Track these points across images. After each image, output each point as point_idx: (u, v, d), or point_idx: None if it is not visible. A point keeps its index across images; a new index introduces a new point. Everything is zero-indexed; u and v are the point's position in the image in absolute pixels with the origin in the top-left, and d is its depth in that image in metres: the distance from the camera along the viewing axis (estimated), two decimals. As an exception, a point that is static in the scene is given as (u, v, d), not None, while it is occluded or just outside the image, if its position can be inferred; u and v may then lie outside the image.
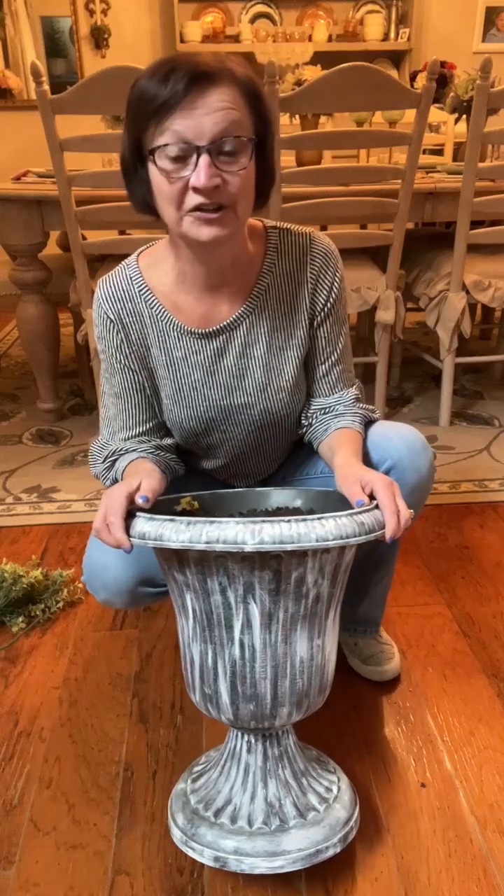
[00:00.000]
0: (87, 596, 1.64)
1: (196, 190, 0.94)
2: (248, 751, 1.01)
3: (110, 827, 1.10)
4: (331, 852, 0.97)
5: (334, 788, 1.04)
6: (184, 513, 1.03)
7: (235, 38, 4.25)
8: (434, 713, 1.30)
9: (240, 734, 1.02)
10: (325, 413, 1.19)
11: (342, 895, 0.99)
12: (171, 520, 0.85)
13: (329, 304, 1.14)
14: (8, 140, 4.16)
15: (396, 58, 4.38)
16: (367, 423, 1.19)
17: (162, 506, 1.02)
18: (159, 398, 1.18)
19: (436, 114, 2.79)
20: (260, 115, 0.98)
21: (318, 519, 0.82)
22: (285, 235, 1.12)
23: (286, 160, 2.28)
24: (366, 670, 1.38)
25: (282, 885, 1.01)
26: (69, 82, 2.82)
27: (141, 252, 1.15)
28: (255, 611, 0.89)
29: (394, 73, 4.18)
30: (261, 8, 4.34)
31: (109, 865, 1.04)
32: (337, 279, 1.14)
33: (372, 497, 0.93)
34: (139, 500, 0.93)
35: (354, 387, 1.22)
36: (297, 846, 0.95)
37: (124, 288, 1.12)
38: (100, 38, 4.21)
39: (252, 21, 4.33)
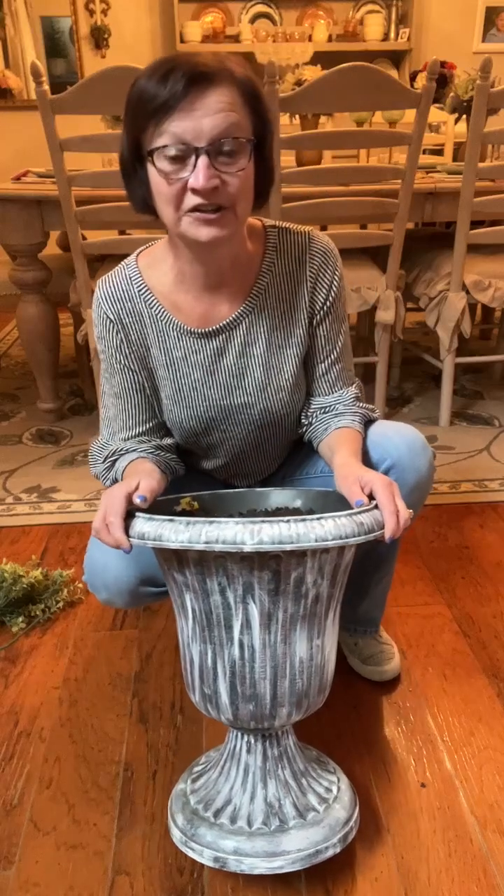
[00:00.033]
0: (87, 596, 1.64)
1: (195, 191, 0.94)
2: (248, 751, 1.01)
3: (110, 827, 1.10)
4: (330, 853, 0.97)
5: (334, 789, 1.04)
6: (184, 513, 1.03)
7: (235, 38, 4.25)
8: (434, 713, 1.30)
9: (239, 734, 1.02)
10: (324, 412, 1.19)
11: (342, 895, 0.99)
12: (171, 520, 0.85)
13: (328, 303, 1.14)
14: (8, 140, 4.16)
15: (396, 58, 4.38)
16: (367, 422, 1.19)
17: (162, 506, 1.02)
18: (159, 398, 1.18)
19: (436, 114, 2.79)
20: (259, 116, 0.98)
21: (318, 519, 0.82)
22: (284, 234, 1.12)
23: (286, 160, 2.28)
24: (366, 670, 1.38)
25: (282, 886, 1.01)
26: (69, 82, 2.82)
27: (140, 252, 1.15)
28: (254, 611, 0.89)
29: (394, 73, 4.18)
30: (261, 8, 4.34)
31: (109, 865, 1.04)
32: (336, 278, 1.14)
33: (371, 497, 0.93)
34: (137, 500, 0.93)
35: (354, 385, 1.22)
36: (296, 846, 0.95)
37: (124, 288, 1.12)
38: (100, 38, 4.21)
39: (252, 21, 4.33)
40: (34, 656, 1.47)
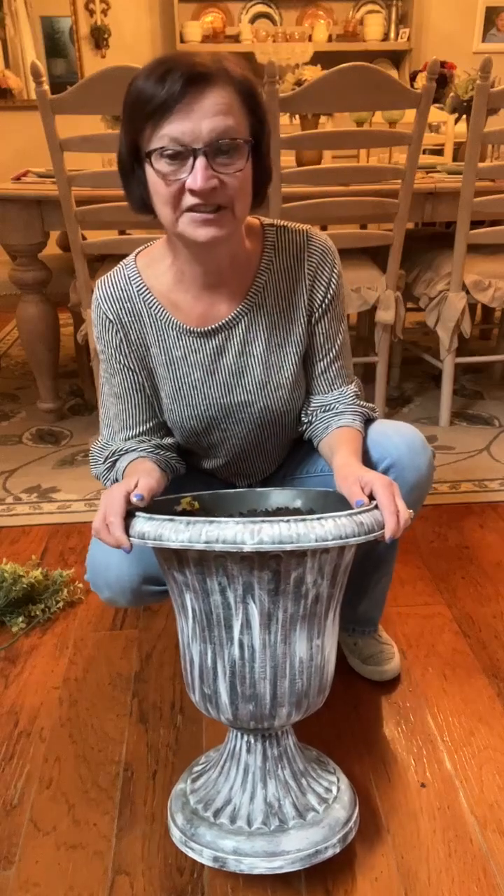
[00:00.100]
0: (87, 596, 1.64)
1: (193, 192, 0.94)
2: (248, 751, 1.01)
3: (110, 827, 1.10)
4: (330, 853, 0.97)
5: (334, 789, 1.04)
6: (184, 513, 1.03)
7: (235, 38, 4.25)
8: (434, 713, 1.30)
9: (239, 734, 1.02)
10: (325, 411, 1.19)
11: (342, 895, 0.99)
12: (171, 520, 0.85)
13: (327, 300, 1.14)
14: (8, 140, 4.16)
15: (396, 58, 4.38)
16: (367, 421, 1.19)
17: (162, 506, 1.02)
18: (159, 398, 1.18)
19: (436, 114, 2.79)
20: (256, 115, 0.98)
21: (318, 519, 0.82)
22: (282, 233, 1.12)
23: (286, 160, 2.28)
24: (366, 670, 1.38)
25: (281, 886, 1.01)
26: (69, 82, 2.82)
27: (139, 252, 1.15)
28: (254, 611, 0.89)
29: (394, 73, 4.18)
30: (261, 8, 4.34)
31: (109, 865, 1.04)
32: (335, 275, 1.14)
33: (371, 497, 0.94)
34: (134, 499, 0.93)
35: (353, 384, 1.22)
36: (296, 846, 0.95)
37: (123, 288, 1.12)
38: (100, 38, 4.21)
39: (252, 21, 4.33)
40: (34, 656, 1.47)
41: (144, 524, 0.87)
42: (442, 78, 2.33)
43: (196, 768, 1.11)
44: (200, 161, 0.93)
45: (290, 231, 1.13)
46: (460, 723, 1.28)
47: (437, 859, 1.04)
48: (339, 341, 1.18)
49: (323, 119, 2.70)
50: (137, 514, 0.90)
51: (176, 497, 1.06)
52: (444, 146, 2.88)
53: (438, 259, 2.45)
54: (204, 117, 0.91)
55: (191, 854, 0.98)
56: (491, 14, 4.31)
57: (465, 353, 2.67)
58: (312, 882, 1.01)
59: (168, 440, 1.19)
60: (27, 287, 2.39)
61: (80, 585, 1.65)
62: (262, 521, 0.81)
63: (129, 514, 0.91)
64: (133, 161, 0.99)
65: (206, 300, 1.11)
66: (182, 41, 4.18)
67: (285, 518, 0.82)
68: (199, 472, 1.27)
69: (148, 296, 1.11)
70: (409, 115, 2.16)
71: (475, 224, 2.32)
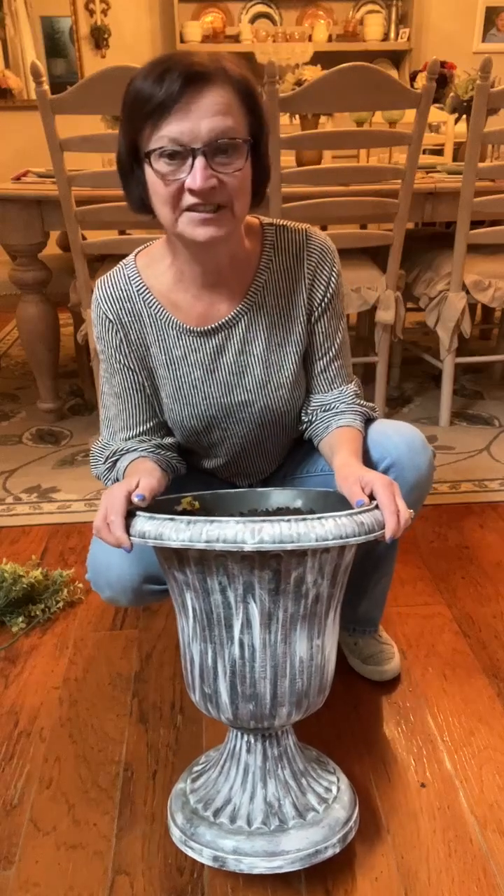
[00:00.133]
0: (87, 596, 1.64)
1: (192, 192, 0.94)
2: (248, 751, 1.01)
3: (110, 827, 1.10)
4: (330, 853, 0.97)
5: (334, 789, 1.04)
6: (184, 512, 1.03)
7: (235, 38, 4.25)
8: (434, 713, 1.30)
9: (239, 734, 1.02)
10: (325, 410, 1.19)
11: (342, 895, 0.99)
12: (171, 519, 0.85)
13: (326, 299, 1.14)
14: (8, 140, 4.16)
15: (396, 58, 4.38)
16: (367, 420, 1.19)
17: (163, 505, 1.02)
18: (159, 398, 1.18)
19: (436, 114, 2.79)
20: (255, 115, 0.98)
21: (318, 519, 0.82)
22: (282, 232, 1.12)
23: (286, 160, 2.28)
24: (366, 670, 1.38)
25: (281, 885, 1.01)
26: (69, 82, 2.82)
27: (138, 252, 1.15)
28: (254, 610, 0.89)
29: (394, 73, 4.18)
30: (261, 8, 4.34)
31: (109, 865, 1.04)
32: (334, 274, 1.14)
33: (372, 497, 0.94)
34: (135, 499, 0.93)
35: (353, 383, 1.22)
36: (296, 846, 0.95)
37: (123, 288, 1.12)
38: (100, 38, 4.21)
39: (252, 21, 4.33)
40: (34, 656, 1.47)
41: (145, 523, 0.87)
42: (442, 78, 2.33)
43: (196, 768, 1.11)
44: (199, 161, 0.93)
45: (289, 230, 1.13)
46: (460, 723, 1.28)
47: (437, 859, 1.04)
48: (338, 340, 1.18)
49: (323, 119, 2.70)
50: (138, 513, 0.90)
51: (176, 497, 1.06)
52: (444, 146, 2.88)
53: (438, 259, 2.45)
54: (202, 117, 0.92)
55: (190, 853, 0.98)
56: (491, 14, 4.31)
57: (465, 353, 2.67)
58: (312, 882, 1.01)
59: (168, 440, 1.19)
60: (27, 287, 2.39)
61: (80, 585, 1.65)
62: (263, 521, 0.81)
63: (130, 514, 0.91)
64: (132, 161, 1.00)
65: (206, 300, 1.11)
66: (182, 41, 4.18)
67: (286, 518, 0.82)
68: (199, 471, 1.27)
69: (148, 295, 1.11)
70: (409, 115, 2.16)
71: (475, 224, 2.32)
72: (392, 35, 4.32)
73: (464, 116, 2.36)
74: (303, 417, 1.21)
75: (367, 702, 1.33)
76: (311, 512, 1.04)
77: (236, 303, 1.11)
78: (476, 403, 2.73)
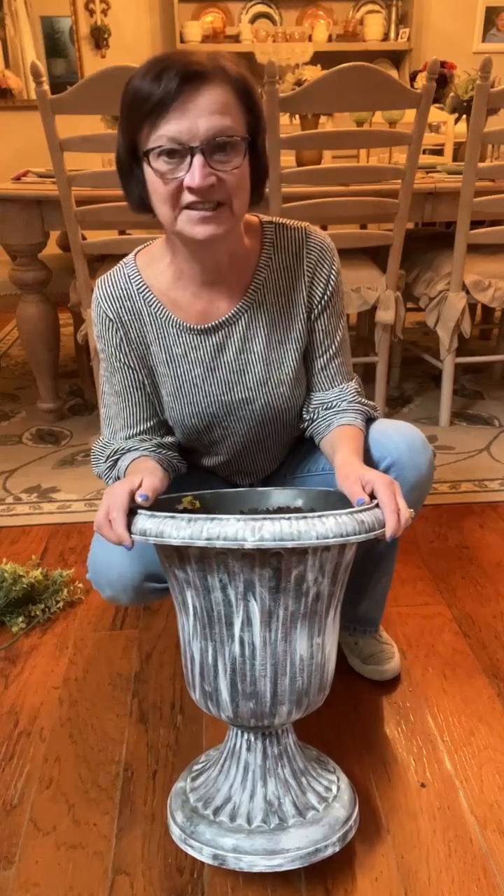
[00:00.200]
0: (87, 596, 1.63)
1: (191, 190, 0.95)
2: (248, 749, 1.01)
3: (110, 827, 1.10)
4: (330, 851, 0.97)
5: (333, 788, 1.04)
6: (185, 511, 1.03)
7: (235, 38, 4.25)
8: (434, 713, 1.30)
9: (239, 732, 1.02)
10: (327, 408, 1.19)
11: (342, 895, 0.99)
12: (172, 516, 0.85)
13: (326, 297, 1.14)
14: (8, 140, 4.17)
15: (396, 58, 4.38)
16: (368, 420, 1.20)
17: (163, 505, 1.02)
18: (160, 396, 1.18)
19: (436, 114, 2.79)
20: (252, 113, 0.98)
21: (319, 517, 0.82)
22: (281, 230, 1.12)
23: (286, 160, 2.28)
24: (366, 670, 1.38)
25: (281, 885, 1.00)
26: (69, 82, 2.82)
27: (138, 251, 1.15)
28: (255, 608, 0.89)
29: (394, 73, 4.18)
30: (261, 8, 4.34)
31: (109, 865, 1.04)
32: (333, 272, 1.14)
33: (372, 496, 0.94)
34: (139, 499, 0.93)
35: (354, 380, 1.22)
36: (295, 845, 0.95)
37: (123, 287, 1.12)
38: (100, 38, 4.21)
39: (252, 21, 4.33)
40: (34, 656, 1.47)
41: (146, 521, 0.87)
42: (442, 78, 2.33)
43: (196, 767, 1.11)
44: (198, 159, 0.93)
45: (288, 228, 1.13)
46: (460, 723, 1.28)
47: (437, 859, 1.04)
48: (338, 338, 1.18)
49: (323, 119, 2.70)
50: (139, 511, 0.91)
51: (177, 496, 1.06)
52: (444, 146, 2.88)
53: (438, 259, 2.45)
54: (200, 115, 0.92)
55: (190, 852, 0.98)
56: (491, 14, 4.31)
57: (465, 353, 2.67)
58: (312, 882, 1.01)
59: (168, 439, 1.19)
60: (27, 287, 2.39)
61: (80, 585, 1.65)
62: (264, 519, 0.81)
63: (132, 512, 0.91)
64: (131, 160, 1.00)
65: (206, 297, 1.11)
66: (182, 41, 4.18)
67: (286, 515, 0.82)
68: (200, 470, 1.27)
69: (148, 294, 1.11)
70: (409, 115, 2.16)
71: (475, 224, 2.32)
72: (392, 35, 4.32)
73: (464, 116, 2.36)
74: (304, 415, 1.21)
75: (367, 702, 1.33)
76: (312, 511, 1.04)
77: (236, 301, 1.11)
78: (476, 403, 2.73)
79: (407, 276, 2.52)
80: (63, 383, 2.86)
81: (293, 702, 0.94)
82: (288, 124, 2.82)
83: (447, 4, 4.27)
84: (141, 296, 1.12)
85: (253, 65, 2.02)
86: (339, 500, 1.01)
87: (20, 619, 1.54)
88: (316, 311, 1.15)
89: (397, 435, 1.15)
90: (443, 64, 2.36)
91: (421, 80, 2.18)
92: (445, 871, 1.02)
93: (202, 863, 1.02)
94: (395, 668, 1.37)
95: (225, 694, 0.94)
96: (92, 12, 4.17)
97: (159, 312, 1.12)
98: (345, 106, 2.24)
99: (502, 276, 2.37)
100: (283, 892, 1.00)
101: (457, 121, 2.68)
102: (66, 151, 2.03)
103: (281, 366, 1.15)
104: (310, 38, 4.21)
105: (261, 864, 0.94)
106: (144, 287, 1.11)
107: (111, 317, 1.13)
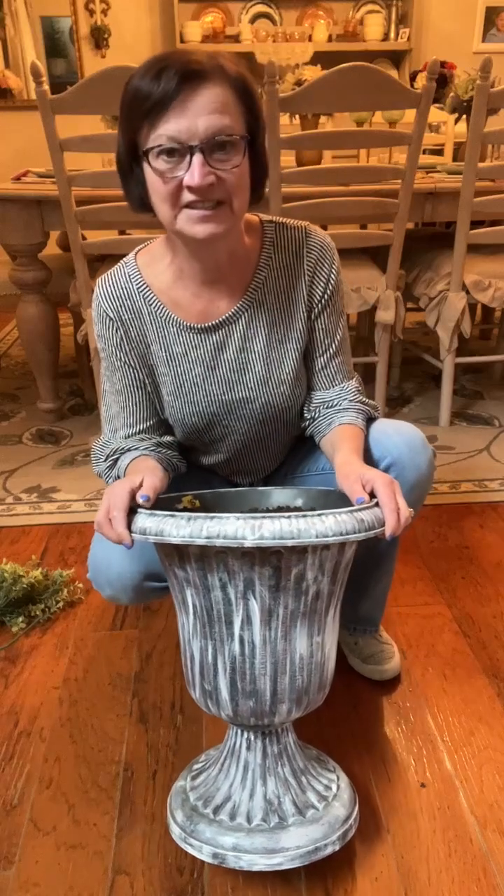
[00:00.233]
0: (87, 596, 1.63)
1: (190, 189, 0.95)
2: (248, 748, 1.01)
3: (110, 827, 1.10)
4: (329, 850, 0.97)
5: (333, 787, 1.04)
6: (185, 510, 1.03)
7: (235, 38, 4.26)
8: (434, 713, 1.30)
9: (239, 731, 1.02)
10: (328, 407, 1.19)
11: (342, 894, 0.99)
12: (172, 515, 0.85)
13: (326, 296, 1.14)
14: (8, 140, 4.17)
15: (396, 58, 4.38)
16: (368, 419, 1.20)
17: (164, 504, 1.02)
18: (160, 395, 1.18)
19: (436, 114, 2.79)
20: (251, 112, 0.98)
21: (318, 515, 0.82)
22: (281, 229, 1.12)
23: (286, 160, 2.28)
24: (366, 669, 1.38)
25: (281, 884, 1.00)
26: (69, 82, 2.82)
27: (139, 250, 1.15)
28: (255, 607, 0.89)
29: (394, 73, 4.18)
30: (261, 8, 4.34)
31: (109, 865, 1.04)
32: (334, 271, 1.14)
33: (372, 495, 0.94)
34: (140, 500, 0.93)
35: (355, 379, 1.22)
36: (295, 843, 0.95)
37: (123, 286, 1.12)
38: (100, 38, 4.21)
39: (252, 21, 4.33)
40: (34, 656, 1.46)
41: (146, 520, 0.87)
42: (442, 78, 2.33)
43: (196, 766, 1.11)
44: (197, 158, 0.93)
45: (288, 227, 1.13)
46: (460, 723, 1.28)
47: (437, 859, 1.04)
48: (338, 337, 1.18)
49: (323, 119, 2.70)
50: (139, 510, 0.91)
51: (177, 495, 1.06)
52: (444, 146, 2.88)
53: (438, 259, 2.45)
54: (200, 114, 0.92)
55: (190, 850, 0.98)
56: (491, 14, 4.31)
57: (465, 353, 2.67)
58: (312, 881, 1.01)
59: (168, 438, 1.19)
60: (27, 287, 2.39)
61: (80, 585, 1.65)
62: (263, 517, 0.81)
63: (132, 511, 0.91)
64: (131, 160, 1.00)
65: (206, 297, 1.11)
66: (182, 41, 4.18)
67: (286, 514, 0.82)
68: (200, 469, 1.27)
69: (148, 293, 1.11)
70: (409, 115, 2.16)
71: (475, 224, 2.32)
72: (392, 35, 4.32)
73: (464, 116, 2.36)
74: (305, 414, 1.21)
75: (367, 702, 1.33)
76: (312, 510, 1.04)
77: (236, 300, 1.11)
78: (476, 403, 2.73)
79: (407, 276, 2.52)
80: (63, 383, 2.86)
81: (293, 700, 0.94)
82: (288, 124, 2.82)
83: (447, 4, 4.27)
84: (141, 295, 1.12)
85: (253, 65, 2.03)
86: (339, 500, 1.01)
87: (20, 619, 1.54)
88: (316, 309, 1.15)
89: (397, 434, 1.15)
90: (443, 64, 2.36)
91: (421, 80, 2.18)
92: (445, 871, 1.02)
93: (202, 862, 1.02)
94: (395, 667, 1.37)
95: (225, 692, 0.94)
96: (92, 12, 4.17)
97: (159, 311, 1.12)
98: (345, 106, 2.24)
99: (502, 276, 2.37)
100: (283, 892, 1.00)
101: (457, 121, 2.68)
102: (66, 151, 2.03)
103: (281, 365, 1.15)
104: (310, 38, 4.21)
105: (260, 863, 0.94)
106: (145, 286, 1.11)
107: (112, 316, 1.13)
